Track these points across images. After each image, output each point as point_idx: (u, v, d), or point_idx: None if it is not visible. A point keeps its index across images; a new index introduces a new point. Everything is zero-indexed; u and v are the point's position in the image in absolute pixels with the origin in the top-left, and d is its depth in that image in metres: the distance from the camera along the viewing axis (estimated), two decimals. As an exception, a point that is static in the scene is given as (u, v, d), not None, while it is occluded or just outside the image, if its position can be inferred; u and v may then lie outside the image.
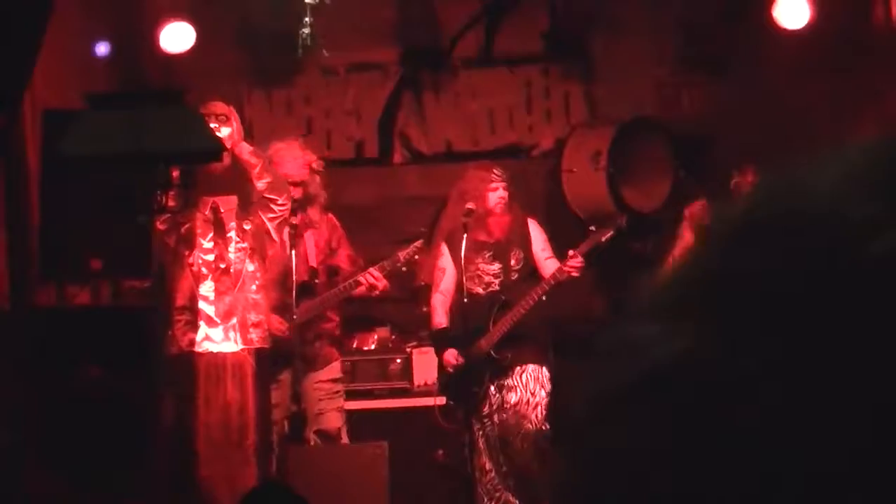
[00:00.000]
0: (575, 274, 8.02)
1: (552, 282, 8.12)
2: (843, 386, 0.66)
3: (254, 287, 8.10)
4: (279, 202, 8.09)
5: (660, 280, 0.73)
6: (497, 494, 8.25)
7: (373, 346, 9.56)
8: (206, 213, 8.07)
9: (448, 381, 8.31)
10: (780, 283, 0.69)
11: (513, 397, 8.18)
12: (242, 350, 8.04)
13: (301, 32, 9.21)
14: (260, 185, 8.06)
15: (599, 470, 0.72)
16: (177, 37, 9.58)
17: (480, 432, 8.24)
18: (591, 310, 9.40)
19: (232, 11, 10.12)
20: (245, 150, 8.13)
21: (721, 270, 0.71)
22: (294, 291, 8.30)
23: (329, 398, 8.54)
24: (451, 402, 8.30)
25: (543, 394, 8.15)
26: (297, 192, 8.28)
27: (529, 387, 8.15)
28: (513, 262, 8.34)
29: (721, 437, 0.68)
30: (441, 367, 8.39)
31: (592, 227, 8.30)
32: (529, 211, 8.68)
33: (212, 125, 7.71)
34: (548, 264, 8.28)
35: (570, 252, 8.12)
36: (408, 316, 9.74)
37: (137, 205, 7.18)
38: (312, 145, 9.16)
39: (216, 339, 8.03)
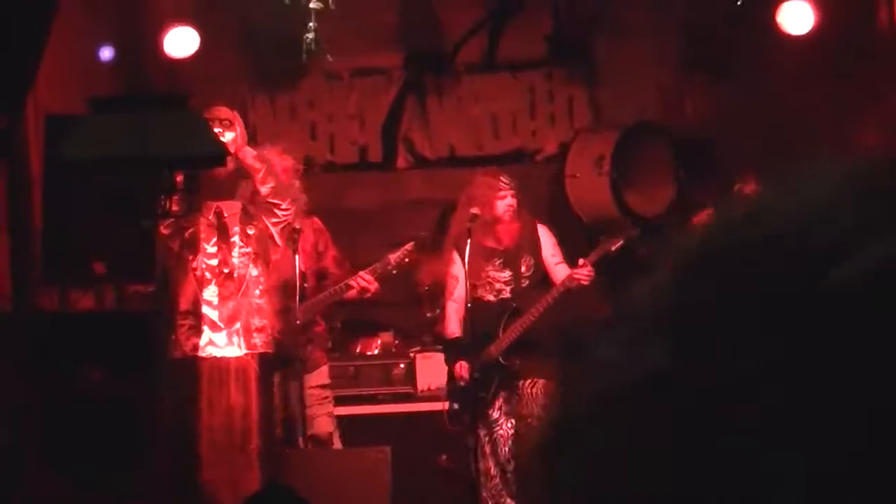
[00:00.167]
0: (585, 282, 8.04)
1: (562, 289, 8.13)
2: (808, 411, 0.66)
3: (257, 292, 8.10)
4: (282, 207, 8.09)
5: (626, 307, 0.74)
6: (501, 500, 8.25)
7: (376, 351, 9.55)
8: (210, 217, 8.07)
9: (456, 386, 8.31)
10: (737, 312, 0.69)
11: (522, 407, 8.18)
12: (246, 354, 8.04)
13: (305, 37, 9.21)
14: (263, 189, 8.06)
15: (600, 472, 0.72)
16: (181, 41, 9.59)
17: (487, 437, 8.24)
18: (599, 316, 9.39)
19: (235, 16, 10.13)
20: (248, 155, 8.12)
21: (679, 301, 0.71)
22: (297, 296, 8.30)
23: (319, 403, 8.54)
24: (459, 407, 8.30)
25: None
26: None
27: (539, 400, 8.14)
28: (523, 268, 8.35)
29: (720, 440, 0.68)
30: (450, 374, 8.39)
31: (602, 237, 8.32)
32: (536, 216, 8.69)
33: (215, 130, 7.71)
34: (558, 269, 8.29)
35: (581, 261, 8.13)
36: (411, 321, 9.74)
37: (141, 209, 7.19)
38: (312, 149, 9.17)
39: (220, 344, 8.03)
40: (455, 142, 10.94)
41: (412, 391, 9.17)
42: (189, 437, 7.93)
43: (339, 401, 8.97)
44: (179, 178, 7.46)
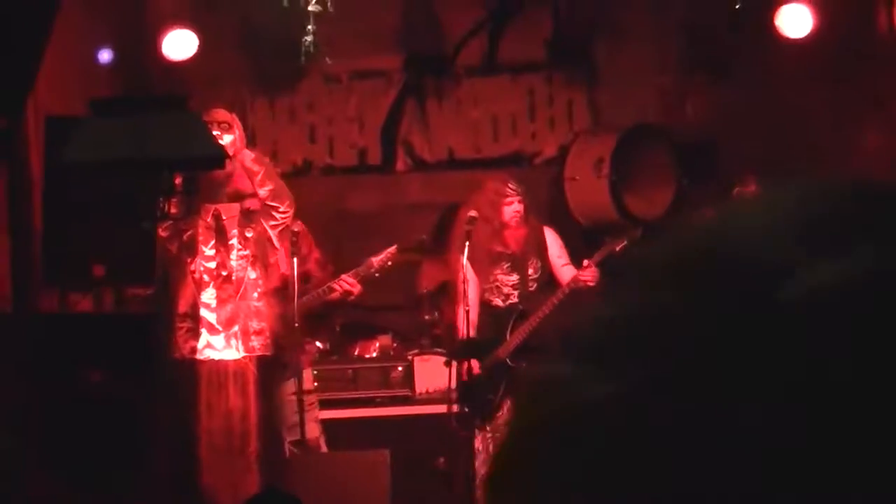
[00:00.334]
0: (591, 283, 8.08)
1: (567, 290, 8.17)
2: (753, 427, 0.66)
3: (256, 294, 8.11)
4: (281, 209, 8.10)
5: (585, 321, 0.74)
6: None
7: (374, 354, 9.55)
8: (209, 220, 8.07)
9: (464, 388, 8.33)
10: (693, 329, 0.69)
11: None
12: (244, 357, 8.04)
13: (304, 39, 9.21)
14: (262, 192, 8.06)
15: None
16: (180, 43, 9.58)
17: (491, 440, 8.24)
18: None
19: (235, 18, 10.13)
20: (247, 158, 8.13)
21: (637, 315, 0.72)
22: (296, 299, 8.30)
23: (307, 409, 8.52)
24: (467, 409, 8.32)
25: None
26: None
27: None
28: (530, 271, 8.38)
29: (646, 473, 0.68)
30: (458, 375, 8.41)
31: (607, 237, 8.34)
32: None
33: (214, 132, 7.71)
34: (564, 271, 8.34)
35: (585, 262, 8.18)
36: (410, 323, 9.74)
37: (140, 211, 7.18)
38: (311, 152, 9.16)
39: (218, 347, 8.04)
40: (454, 144, 10.94)
41: (410, 394, 9.17)
42: (188, 439, 7.94)
43: (338, 404, 8.97)
44: (178, 181, 7.46)
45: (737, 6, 9.75)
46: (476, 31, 10.78)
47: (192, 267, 8.05)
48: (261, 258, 8.14)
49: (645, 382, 0.69)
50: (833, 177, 0.75)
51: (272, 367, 8.30)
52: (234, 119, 8.22)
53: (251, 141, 9.05)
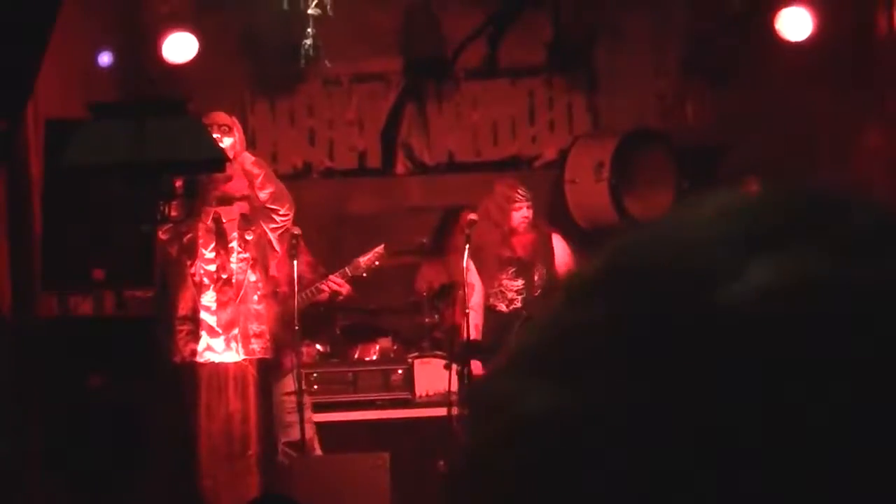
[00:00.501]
0: None
1: None
2: (692, 428, 0.67)
3: (256, 297, 8.11)
4: (281, 212, 8.10)
5: (523, 335, 0.75)
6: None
7: (375, 357, 9.55)
8: (209, 223, 8.07)
9: (466, 391, 8.33)
10: (623, 338, 0.69)
11: None
12: (244, 360, 8.04)
13: (304, 42, 9.22)
14: (262, 195, 8.06)
15: None
16: (180, 46, 9.58)
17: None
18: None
19: (235, 21, 10.13)
20: (247, 161, 8.13)
21: (573, 325, 0.72)
22: (296, 301, 8.30)
23: (295, 410, 8.53)
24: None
25: None
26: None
27: None
28: (536, 278, 8.39)
29: (586, 484, 0.68)
30: (461, 377, 8.40)
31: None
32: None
33: (214, 135, 7.72)
34: None
35: None
36: (410, 326, 9.74)
37: (140, 214, 7.18)
38: (311, 155, 9.16)
39: (218, 350, 8.04)
40: (454, 148, 10.95)
41: (410, 397, 9.16)
42: (188, 442, 7.94)
43: (338, 406, 8.96)
44: (178, 184, 7.46)
45: (737, 10, 9.76)
46: (476, 34, 10.78)
47: (192, 270, 8.05)
48: (261, 261, 8.14)
49: (579, 396, 0.69)
50: (781, 183, 0.75)
51: (271, 370, 8.30)
52: (235, 122, 8.22)
53: (251, 144, 9.06)
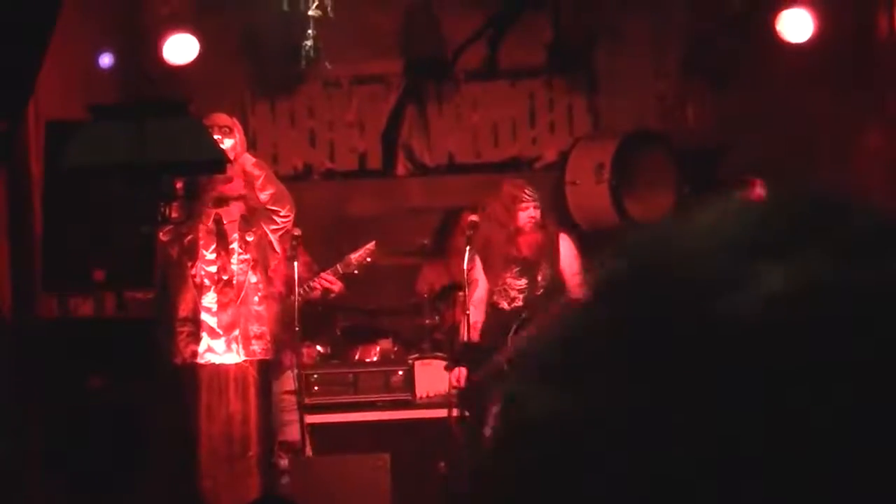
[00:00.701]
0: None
1: (563, 304, 8.12)
2: (692, 435, 0.67)
3: (256, 298, 8.11)
4: (282, 214, 8.10)
5: (536, 338, 0.75)
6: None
7: (375, 358, 9.55)
8: (209, 224, 8.07)
9: (463, 392, 8.33)
10: (628, 338, 0.70)
11: None
12: (245, 361, 8.04)
13: (305, 44, 9.22)
14: (263, 196, 8.07)
15: None
16: (181, 48, 9.58)
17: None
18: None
19: (235, 23, 10.13)
20: (248, 162, 8.14)
21: (576, 328, 0.72)
22: (297, 302, 8.31)
23: (290, 409, 8.53)
24: (466, 413, 8.31)
25: None
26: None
27: None
28: (539, 278, 8.37)
29: (587, 487, 0.69)
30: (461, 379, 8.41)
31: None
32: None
33: (215, 136, 7.72)
34: (573, 280, 8.30)
35: (577, 279, 8.14)
36: (411, 328, 9.74)
37: (141, 216, 7.19)
38: (312, 157, 9.14)
39: (219, 351, 8.04)
40: (455, 149, 10.95)
41: (411, 398, 9.16)
42: (189, 443, 7.94)
43: (339, 407, 8.96)
44: (179, 185, 7.47)
45: (737, 11, 9.76)
46: (476, 35, 10.78)
47: (193, 271, 8.05)
48: (261, 262, 8.14)
49: (581, 399, 0.70)
50: (786, 188, 0.75)
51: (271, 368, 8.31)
52: (235, 123, 8.23)
53: (252, 145, 9.06)
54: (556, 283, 8.38)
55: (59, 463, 6.98)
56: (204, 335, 8.02)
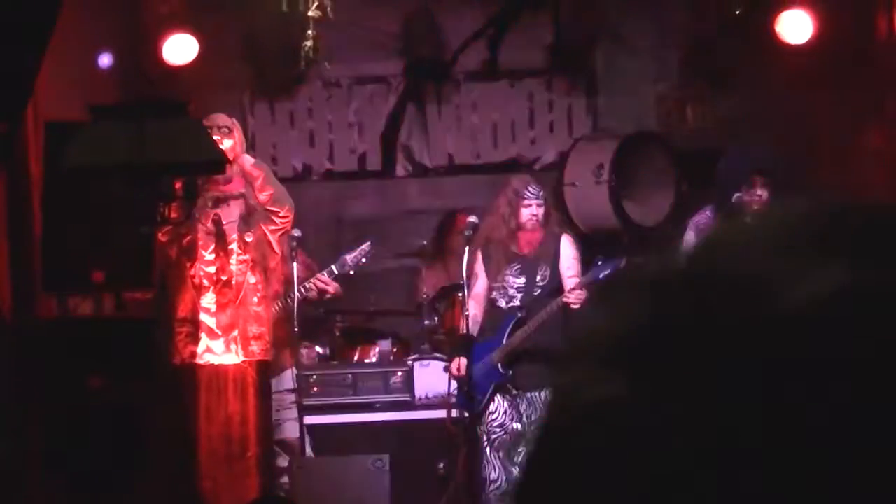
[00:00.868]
0: (575, 305, 7.99)
1: (555, 308, 8.09)
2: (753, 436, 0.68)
3: (255, 299, 8.11)
4: (281, 214, 8.10)
5: (594, 328, 0.75)
6: (500, 506, 8.24)
7: (374, 359, 9.55)
8: (208, 225, 8.07)
9: (458, 388, 8.32)
10: (694, 338, 0.70)
11: (530, 410, 8.15)
12: (244, 362, 8.04)
13: (304, 45, 9.22)
14: (262, 196, 8.07)
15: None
16: (180, 48, 9.58)
17: (486, 442, 8.21)
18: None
19: (235, 23, 10.13)
20: (247, 162, 8.14)
21: (641, 324, 0.73)
22: (296, 303, 8.31)
23: (287, 408, 8.53)
24: (461, 410, 8.31)
25: None
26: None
27: (542, 410, 8.09)
28: (538, 277, 8.33)
29: (587, 482, 0.70)
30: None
31: (600, 261, 8.26)
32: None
33: (214, 137, 7.72)
34: (569, 283, 8.26)
35: (573, 283, 8.11)
36: (409, 329, 9.74)
37: (140, 216, 7.19)
38: (311, 157, 9.13)
39: (217, 352, 8.04)
40: (454, 150, 10.95)
41: (410, 399, 9.16)
42: (187, 444, 7.94)
43: (338, 409, 8.96)
44: (178, 186, 7.47)
45: (736, 12, 9.76)
46: (476, 36, 10.78)
47: (192, 272, 8.05)
48: (260, 263, 8.14)
49: (645, 386, 0.70)
50: (828, 195, 0.76)
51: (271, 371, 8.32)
52: (235, 124, 8.23)
53: (251, 146, 9.06)
54: (556, 283, 8.36)
55: (59, 463, 6.98)
56: (203, 336, 8.02)
